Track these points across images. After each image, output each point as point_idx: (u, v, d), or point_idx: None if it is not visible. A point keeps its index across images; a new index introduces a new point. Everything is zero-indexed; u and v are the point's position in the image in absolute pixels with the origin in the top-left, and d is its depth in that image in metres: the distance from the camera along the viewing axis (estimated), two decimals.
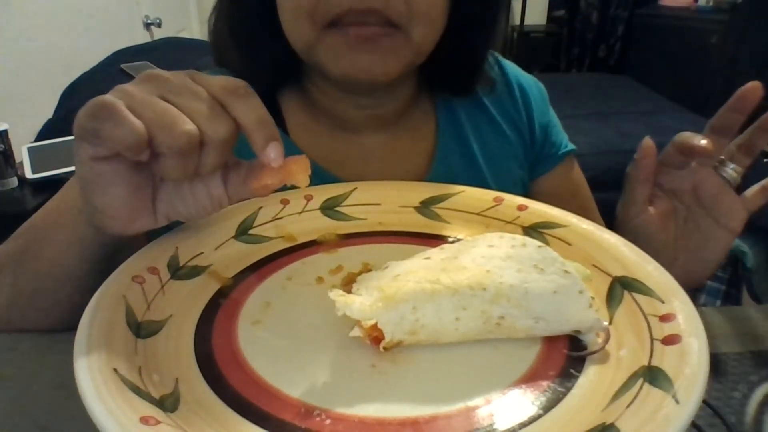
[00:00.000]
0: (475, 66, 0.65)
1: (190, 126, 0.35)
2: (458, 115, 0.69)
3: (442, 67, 0.63)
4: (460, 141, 0.68)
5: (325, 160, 0.64)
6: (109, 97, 0.35)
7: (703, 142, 0.50)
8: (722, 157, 0.53)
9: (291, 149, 0.64)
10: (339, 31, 0.52)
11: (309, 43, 0.54)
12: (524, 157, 0.71)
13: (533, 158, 0.72)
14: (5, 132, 1.41)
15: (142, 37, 2.45)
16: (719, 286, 1.43)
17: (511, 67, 0.73)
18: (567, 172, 0.74)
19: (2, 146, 1.41)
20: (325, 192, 0.55)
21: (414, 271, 0.39)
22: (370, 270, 0.44)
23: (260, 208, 0.52)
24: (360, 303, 0.36)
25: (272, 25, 0.57)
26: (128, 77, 1.82)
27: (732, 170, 0.53)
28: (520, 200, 0.53)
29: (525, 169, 0.71)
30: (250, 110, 0.37)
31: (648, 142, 0.54)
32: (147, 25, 2.54)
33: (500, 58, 0.72)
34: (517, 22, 4.00)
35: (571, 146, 0.73)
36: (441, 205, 0.55)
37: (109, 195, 0.38)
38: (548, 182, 0.72)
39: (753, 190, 0.54)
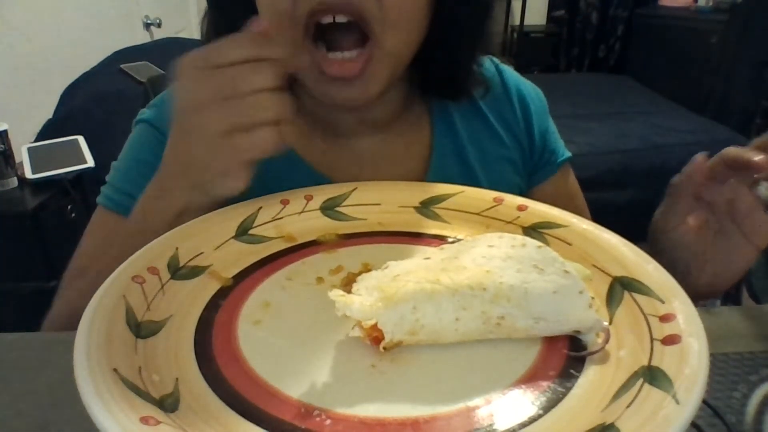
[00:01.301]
0: (463, 71, 0.65)
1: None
2: (454, 119, 0.68)
3: (430, 71, 0.63)
4: (455, 145, 0.68)
5: (319, 163, 0.64)
6: None
7: (759, 157, 0.50)
8: (756, 176, 0.54)
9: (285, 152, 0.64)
10: (318, 53, 0.53)
11: (291, 49, 0.54)
12: (522, 163, 0.71)
13: (532, 166, 0.72)
14: (5, 132, 1.41)
15: (142, 37, 2.45)
16: None
17: (511, 73, 0.72)
18: (564, 180, 0.74)
19: (2, 146, 1.41)
20: (325, 192, 0.55)
21: (414, 271, 0.39)
22: (370, 270, 0.44)
23: (260, 208, 0.52)
24: (360, 303, 0.36)
25: None
26: (128, 77, 1.83)
27: (766, 189, 0.53)
28: (520, 200, 0.53)
29: (522, 176, 0.71)
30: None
31: (701, 157, 0.55)
32: (147, 25, 2.54)
33: (499, 63, 0.72)
34: (517, 22, 4.00)
35: (567, 154, 0.73)
36: (441, 205, 0.55)
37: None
38: (546, 190, 0.72)
39: None
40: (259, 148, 0.45)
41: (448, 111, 0.68)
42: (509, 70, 0.73)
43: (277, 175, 0.63)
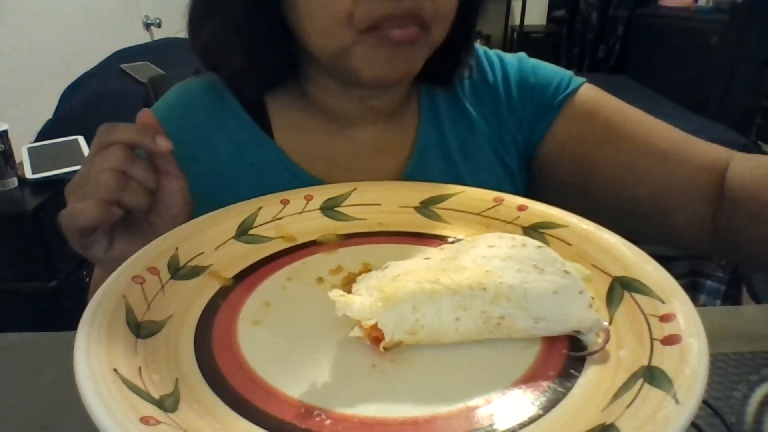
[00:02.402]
0: (463, 59, 0.66)
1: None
2: (439, 108, 0.68)
3: (432, 60, 0.63)
4: (439, 134, 0.67)
5: (313, 157, 0.64)
6: None
7: None
8: None
9: (275, 151, 0.64)
10: (378, 34, 0.53)
11: (344, 47, 0.54)
12: (510, 141, 0.69)
13: (528, 127, 0.69)
14: (5, 132, 1.42)
15: (142, 37, 2.45)
16: (719, 286, 1.43)
17: (486, 52, 0.72)
18: (572, 115, 0.68)
19: (2, 146, 1.41)
20: (325, 192, 0.55)
21: (414, 271, 0.39)
22: (370, 270, 0.44)
23: (260, 208, 0.52)
24: (360, 303, 0.36)
25: (279, 25, 0.57)
26: (128, 77, 1.83)
27: None
28: (520, 200, 0.54)
29: (511, 154, 0.70)
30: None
31: None
32: (147, 25, 2.54)
33: (477, 45, 0.72)
34: (517, 22, 4.01)
35: (571, 88, 0.68)
36: (441, 205, 0.55)
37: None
38: (556, 134, 0.68)
39: None
40: (79, 217, 0.47)
41: (435, 100, 0.68)
42: (484, 48, 0.72)
43: (262, 170, 0.63)
